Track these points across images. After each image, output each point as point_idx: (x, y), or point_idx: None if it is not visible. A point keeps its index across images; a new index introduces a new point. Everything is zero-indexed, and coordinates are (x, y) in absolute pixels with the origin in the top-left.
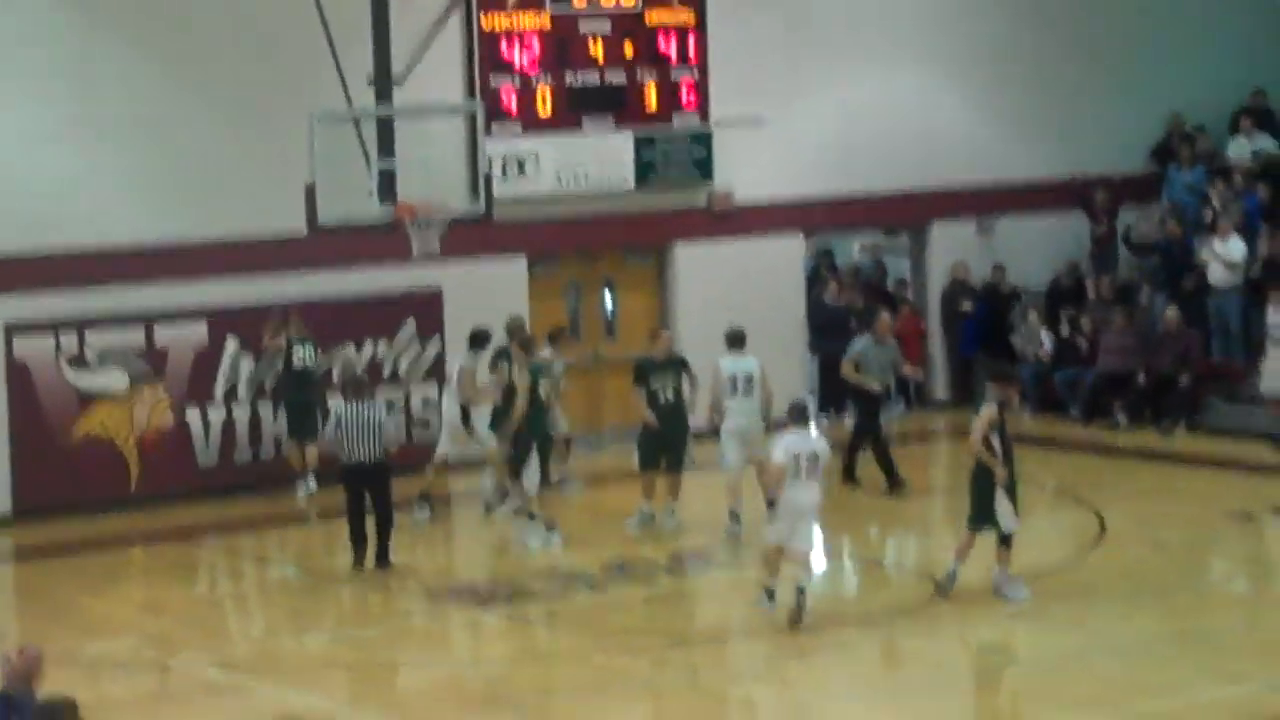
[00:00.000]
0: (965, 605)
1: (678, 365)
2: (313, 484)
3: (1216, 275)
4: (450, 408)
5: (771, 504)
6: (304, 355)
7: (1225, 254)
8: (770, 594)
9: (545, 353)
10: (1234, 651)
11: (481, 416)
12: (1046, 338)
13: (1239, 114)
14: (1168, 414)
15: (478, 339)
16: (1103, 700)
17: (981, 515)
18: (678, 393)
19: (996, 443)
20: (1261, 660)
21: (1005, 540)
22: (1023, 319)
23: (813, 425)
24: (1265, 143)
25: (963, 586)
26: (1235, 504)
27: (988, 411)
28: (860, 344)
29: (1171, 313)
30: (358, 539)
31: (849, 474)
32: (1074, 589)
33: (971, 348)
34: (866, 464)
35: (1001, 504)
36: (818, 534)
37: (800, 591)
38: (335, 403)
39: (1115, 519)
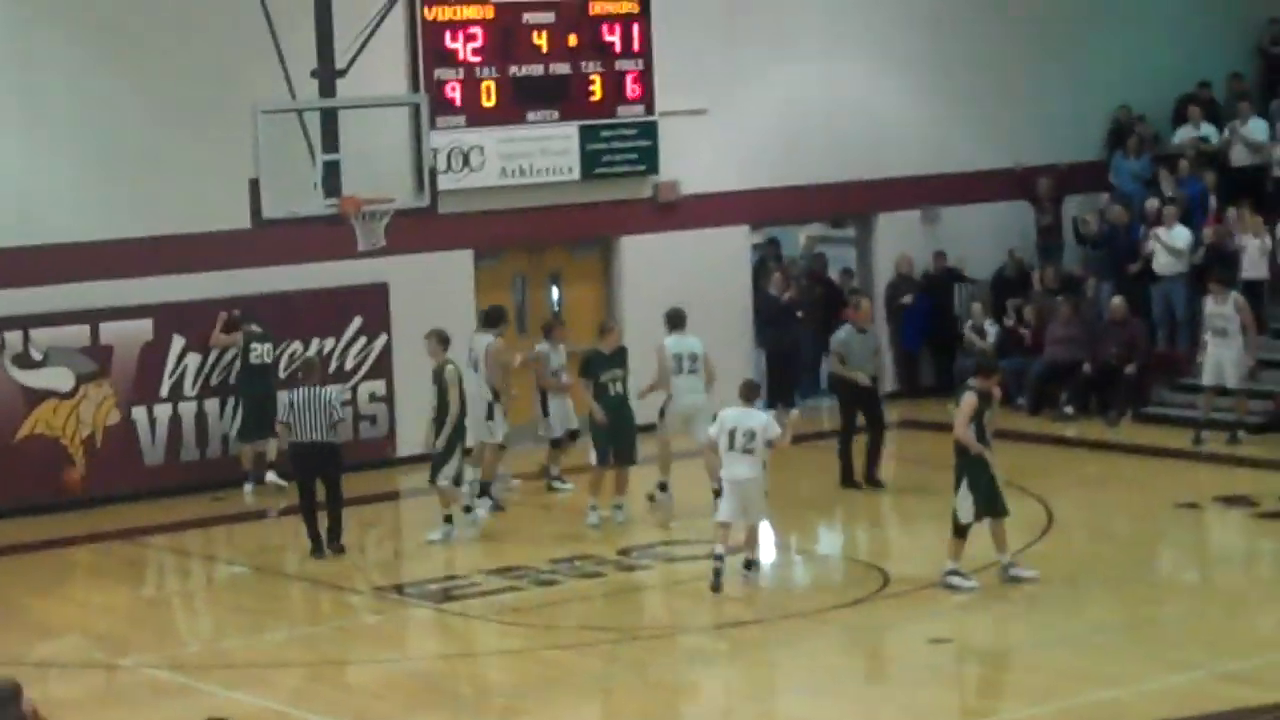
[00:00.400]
0: (914, 598)
1: (625, 358)
2: (273, 477)
3: (1162, 263)
4: (480, 388)
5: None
6: (261, 351)
7: (1170, 242)
8: (719, 558)
9: (542, 345)
10: (1182, 641)
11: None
12: (991, 328)
13: (1185, 102)
14: (1114, 404)
15: (493, 316)
16: (1054, 691)
17: (991, 502)
18: (625, 386)
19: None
20: (1209, 649)
21: (962, 531)
22: (967, 310)
23: (759, 403)
24: (1209, 130)
25: (913, 578)
26: (1182, 494)
27: (969, 400)
28: (842, 334)
29: (1117, 301)
30: (314, 526)
31: (848, 477)
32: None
33: (915, 341)
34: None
35: (964, 497)
36: (760, 509)
37: (748, 564)
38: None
39: (1063, 509)
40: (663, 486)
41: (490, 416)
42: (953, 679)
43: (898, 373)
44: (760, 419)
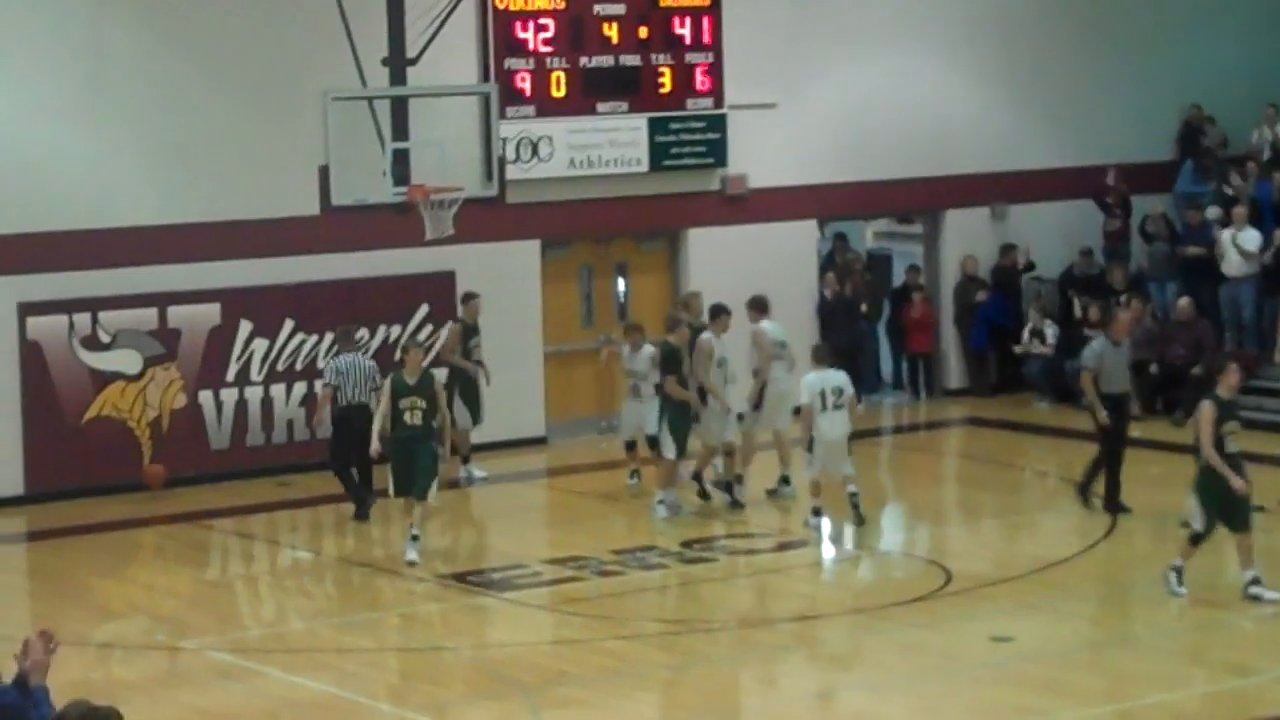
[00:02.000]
0: (976, 595)
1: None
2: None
3: (1232, 265)
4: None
5: (809, 445)
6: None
7: (1242, 244)
8: (816, 512)
9: (706, 334)
10: (1243, 644)
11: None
12: (1050, 330)
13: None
14: (1180, 404)
15: (717, 311)
16: (1113, 692)
17: (1228, 514)
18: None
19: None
20: (1270, 653)
21: (1195, 539)
22: (1036, 310)
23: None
24: None
25: (975, 575)
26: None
27: (1206, 410)
28: (1096, 346)
29: (1184, 302)
30: (354, 487)
31: (1112, 501)
32: (1084, 580)
33: (983, 340)
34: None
35: (1194, 506)
36: (849, 463)
37: (853, 495)
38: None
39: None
40: (785, 479)
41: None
42: (1013, 678)
43: (966, 370)
44: (842, 376)
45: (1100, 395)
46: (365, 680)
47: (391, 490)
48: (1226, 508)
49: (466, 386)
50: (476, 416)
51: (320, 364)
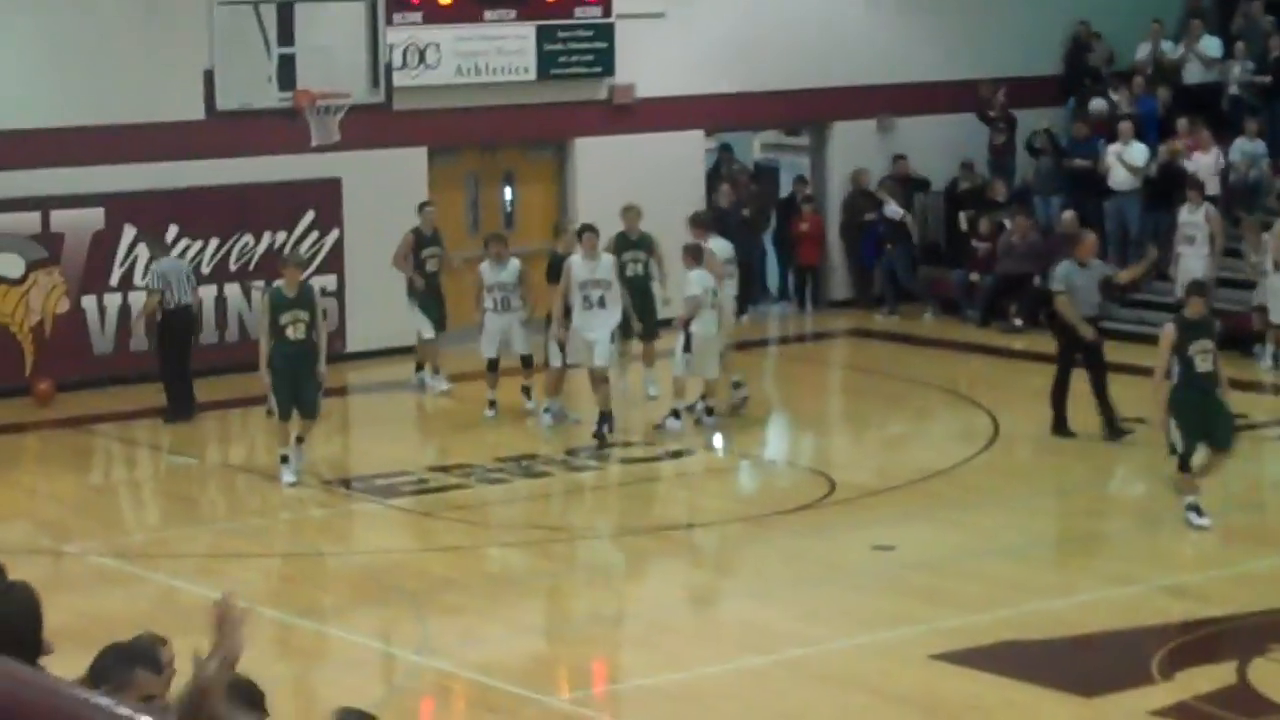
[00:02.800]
0: (859, 505)
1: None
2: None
3: (1118, 179)
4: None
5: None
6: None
7: (1129, 158)
8: (676, 414)
9: (574, 257)
10: (1124, 554)
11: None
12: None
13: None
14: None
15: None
16: (993, 600)
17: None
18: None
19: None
20: (1150, 563)
21: (1183, 464)
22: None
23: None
24: (1169, 48)
25: (858, 485)
26: (1129, 408)
27: (1166, 332)
28: (1062, 269)
29: (1069, 215)
30: (177, 390)
31: (1061, 425)
32: (967, 490)
33: (873, 256)
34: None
35: (1172, 429)
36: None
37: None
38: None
39: (1009, 421)
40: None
41: None
42: (894, 586)
43: (851, 282)
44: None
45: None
46: (248, 585)
47: (277, 411)
48: (1206, 424)
49: (424, 296)
50: (439, 325)
51: (204, 269)
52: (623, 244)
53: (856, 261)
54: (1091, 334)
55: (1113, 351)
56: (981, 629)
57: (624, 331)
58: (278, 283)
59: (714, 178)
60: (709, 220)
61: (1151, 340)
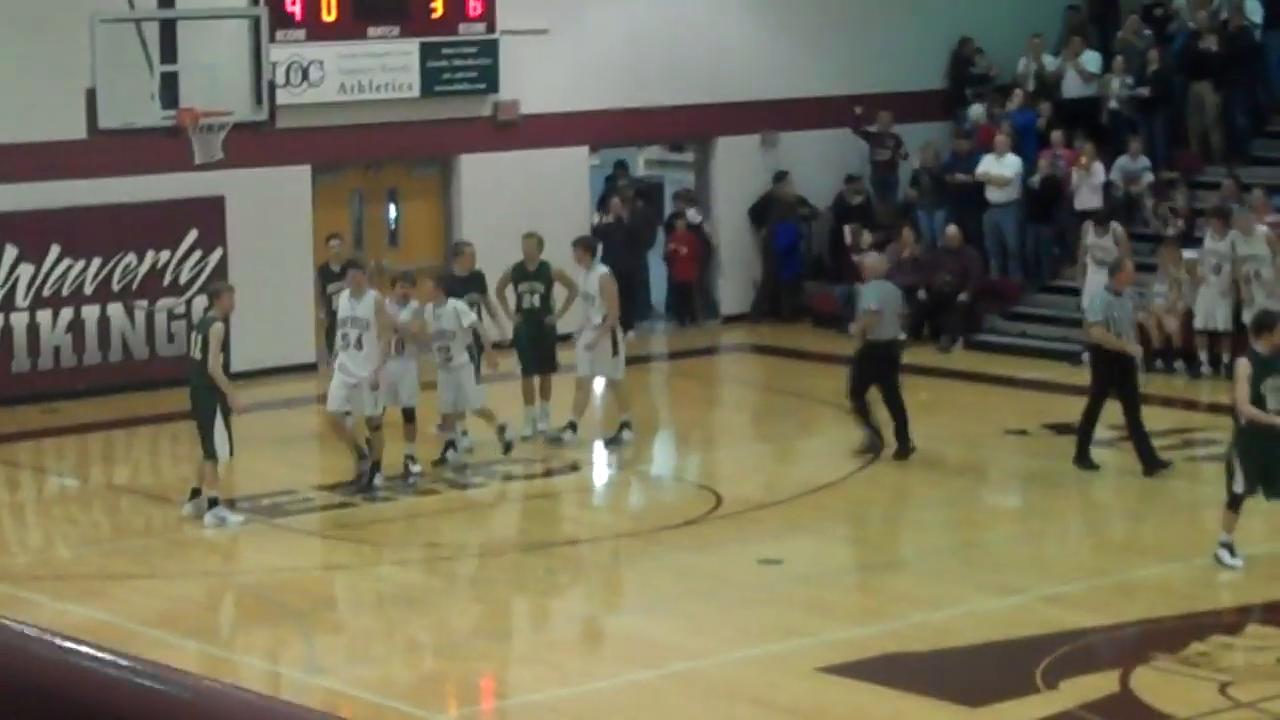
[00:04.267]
0: (745, 519)
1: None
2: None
3: (994, 192)
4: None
5: None
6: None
7: (1001, 170)
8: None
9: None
10: (1008, 565)
11: None
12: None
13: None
14: (947, 330)
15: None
16: (880, 612)
17: (1267, 479)
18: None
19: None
20: (1034, 573)
21: (1235, 503)
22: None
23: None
24: (1049, 61)
25: (745, 499)
26: (1012, 420)
27: (1242, 365)
28: (1102, 299)
29: (953, 230)
30: None
31: (1084, 455)
32: (852, 504)
33: (794, 269)
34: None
35: (1236, 468)
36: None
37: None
38: None
39: (893, 435)
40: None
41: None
42: (782, 599)
43: (756, 299)
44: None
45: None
46: (135, 607)
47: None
48: (1268, 471)
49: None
50: None
51: (87, 289)
52: (519, 274)
53: (776, 278)
54: (1137, 350)
55: (989, 363)
56: (867, 641)
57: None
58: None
59: (609, 194)
60: (593, 245)
61: (1032, 353)
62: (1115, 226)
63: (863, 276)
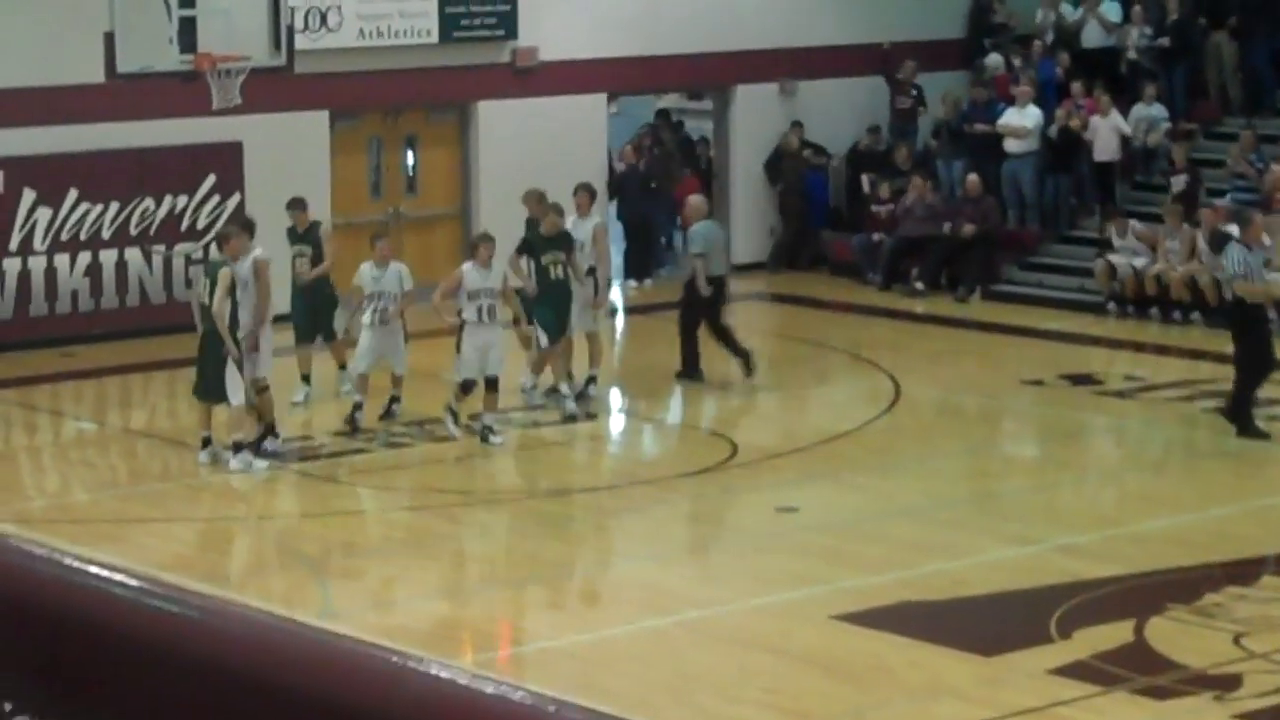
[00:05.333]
0: (761, 467)
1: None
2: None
3: (1012, 143)
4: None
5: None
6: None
7: (1021, 121)
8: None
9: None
10: (1023, 515)
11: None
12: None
13: None
14: (964, 280)
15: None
16: (893, 561)
17: None
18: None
19: None
20: (1048, 523)
21: None
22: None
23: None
24: (1069, 12)
25: (760, 448)
26: (1029, 370)
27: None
28: (1239, 252)
29: (973, 178)
30: None
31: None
32: (868, 453)
33: (821, 217)
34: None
35: None
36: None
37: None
38: None
39: (911, 384)
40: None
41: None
42: (797, 547)
43: (773, 249)
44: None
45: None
46: (150, 551)
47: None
48: None
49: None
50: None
51: (105, 234)
52: (542, 244)
53: (809, 227)
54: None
55: (1006, 313)
56: (882, 589)
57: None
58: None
59: (654, 142)
60: (594, 191)
61: (1049, 303)
62: (1134, 224)
63: (685, 219)
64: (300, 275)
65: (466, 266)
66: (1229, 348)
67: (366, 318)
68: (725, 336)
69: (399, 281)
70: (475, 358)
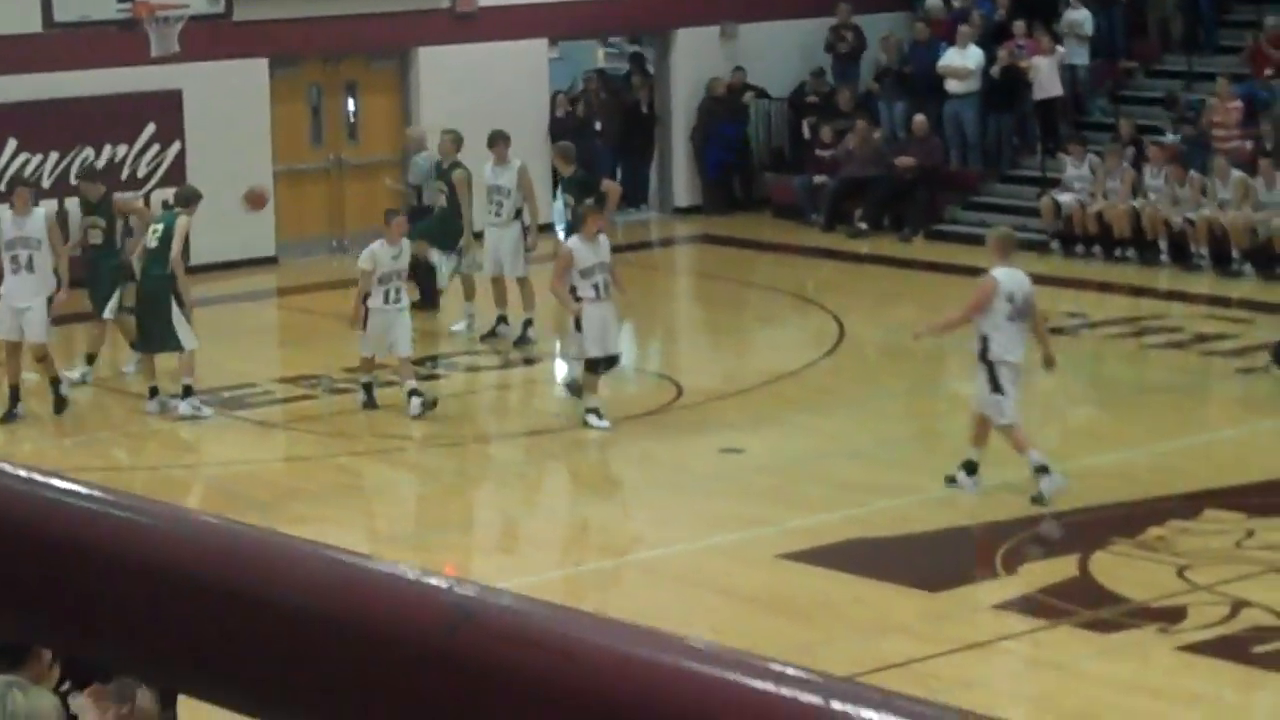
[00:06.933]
0: (704, 410)
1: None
2: None
3: (954, 84)
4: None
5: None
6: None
7: (963, 61)
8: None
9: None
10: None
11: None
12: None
13: None
14: (908, 221)
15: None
16: (839, 500)
17: None
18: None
19: None
20: (992, 460)
21: None
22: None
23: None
24: None
25: (705, 390)
26: None
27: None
28: None
29: (919, 118)
30: None
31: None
32: (813, 393)
33: (717, 168)
34: None
35: None
36: None
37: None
38: None
39: (855, 324)
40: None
41: None
42: (742, 489)
43: (704, 191)
44: None
45: None
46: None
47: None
48: None
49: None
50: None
51: (45, 184)
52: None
53: (706, 177)
54: None
55: (950, 253)
56: (828, 528)
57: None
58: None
59: (625, 87)
60: (508, 138)
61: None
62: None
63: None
64: (129, 253)
65: (574, 241)
66: (1167, 284)
67: (379, 300)
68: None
69: (409, 259)
70: (598, 335)
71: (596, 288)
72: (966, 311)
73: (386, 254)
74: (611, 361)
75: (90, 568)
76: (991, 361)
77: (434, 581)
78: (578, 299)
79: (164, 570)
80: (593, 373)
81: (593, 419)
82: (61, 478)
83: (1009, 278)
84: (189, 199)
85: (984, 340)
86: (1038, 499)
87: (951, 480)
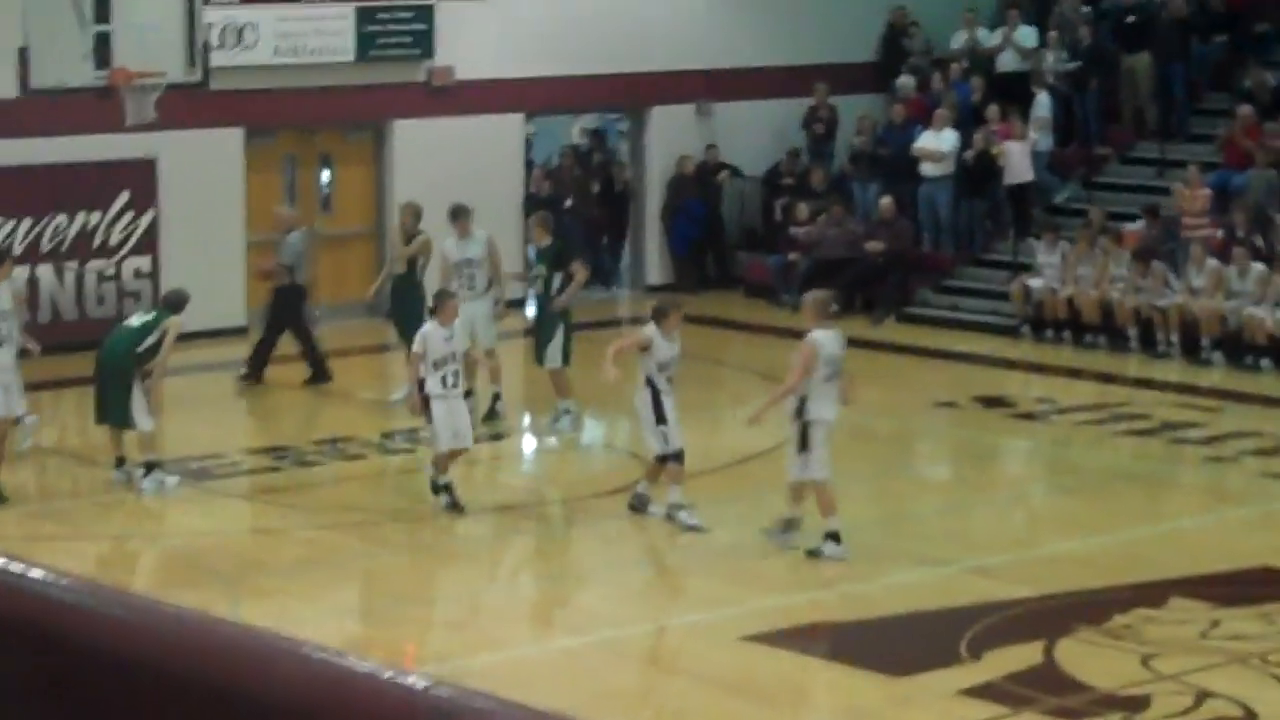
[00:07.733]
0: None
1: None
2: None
3: (928, 166)
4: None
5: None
6: None
7: (937, 145)
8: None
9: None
10: (935, 536)
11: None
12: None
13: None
14: (879, 303)
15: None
16: (805, 581)
17: None
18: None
19: None
20: (960, 545)
21: None
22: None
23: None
24: (985, 36)
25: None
26: (942, 393)
27: None
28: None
29: (887, 201)
30: None
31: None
32: (781, 474)
33: (683, 245)
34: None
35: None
36: None
37: None
38: None
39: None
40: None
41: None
42: (709, 568)
43: (674, 269)
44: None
45: None
46: (61, 570)
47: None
48: None
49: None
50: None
51: (17, 250)
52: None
53: (673, 252)
54: None
55: (921, 336)
56: (792, 611)
57: None
58: None
59: (587, 164)
60: (470, 212)
61: (963, 326)
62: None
63: (278, 227)
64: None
65: (655, 334)
66: (1136, 371)
67: (436, 386)
68: (306, 340)
69: (465, 341)
70: (677, 426)
71: (670, 380)
72: (796, 378)
73: (439, 335)
74: (677, 455)
75: (68, 660)
76: (807, 421)
77: (411, 681)
78: (654, 390)
79: (140, 665)
80: (679, 463)
81: (684, 515)
82: (40, 567)
83: (829, 339)
84: (179, 303)
85: (801, 400)
86: (814, 553)
87: (815, 553)
